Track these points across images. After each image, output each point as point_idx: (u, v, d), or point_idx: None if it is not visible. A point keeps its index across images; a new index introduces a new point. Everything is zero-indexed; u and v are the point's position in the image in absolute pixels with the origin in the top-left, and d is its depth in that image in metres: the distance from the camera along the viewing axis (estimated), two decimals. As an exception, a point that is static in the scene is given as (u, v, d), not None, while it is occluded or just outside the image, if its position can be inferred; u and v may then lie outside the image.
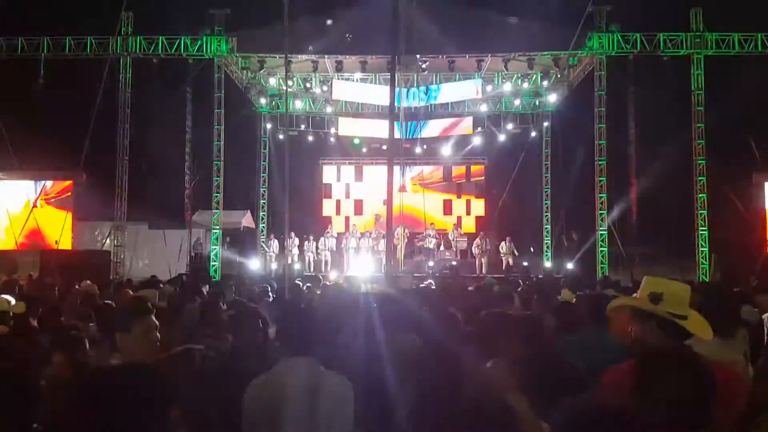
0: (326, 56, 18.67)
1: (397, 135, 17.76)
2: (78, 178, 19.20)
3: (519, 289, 9.26)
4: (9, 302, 5.63)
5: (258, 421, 2.90)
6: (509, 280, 13.29)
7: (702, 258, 17.56)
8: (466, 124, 22.17)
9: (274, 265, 20.68)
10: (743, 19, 17.81)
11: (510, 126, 22.44)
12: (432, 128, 22.30)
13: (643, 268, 17.19)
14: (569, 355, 3.26)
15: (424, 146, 23.25)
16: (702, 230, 17.67)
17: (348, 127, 22.39)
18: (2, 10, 17.29)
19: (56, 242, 18.76)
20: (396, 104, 12.81)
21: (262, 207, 23.47)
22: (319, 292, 8.24)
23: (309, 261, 20.84)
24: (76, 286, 8.15)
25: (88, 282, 8.43)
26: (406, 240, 20.70)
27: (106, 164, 18.75)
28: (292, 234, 20.25)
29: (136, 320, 3.47)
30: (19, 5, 19.38)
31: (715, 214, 17.74)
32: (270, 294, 7.84)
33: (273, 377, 2.96)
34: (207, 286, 8.84)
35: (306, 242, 20.99)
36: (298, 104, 21.90)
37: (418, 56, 18.26)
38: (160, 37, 18.29)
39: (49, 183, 19.52)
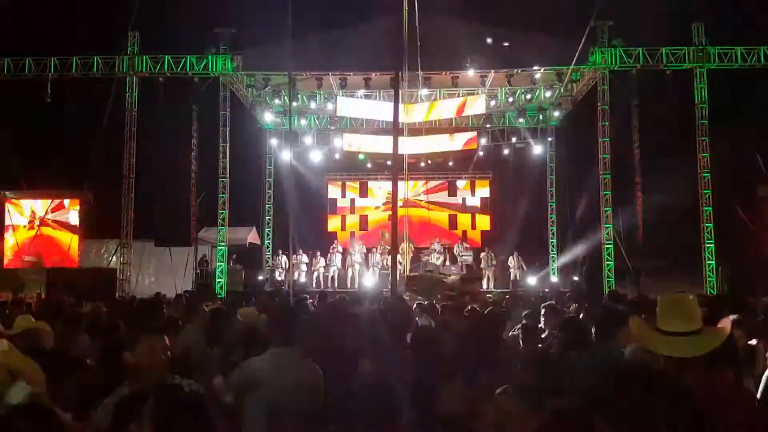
0: (330, 73, 18.81)
1: (401, 150, 17.80)
2: (84, 196, 19.31)
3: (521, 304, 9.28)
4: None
5: (252, 394, 3.65)
6: (516, 296, 13.28)
7: (709, 271, 17.50)
8: (470, 138, 22.19)
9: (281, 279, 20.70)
10: (745, 32, 17.90)
11: (514, 140, 22.52)
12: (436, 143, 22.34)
13: (650, 281, 17.12)
14: (578, 370, 3.28)
15: (429, 161, 23.31)
16: (708, 243, 17.62)
17: (353, 143, 22.47)
18: (8, 30, 17.53)
19: (62, 260, 18.84)
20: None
21: (268, 223, 23.54)
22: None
23: (317, 277, 20.83)
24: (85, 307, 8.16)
25: (98, 303, 8.44)
26: (411, 255, 20.70)
27: (113, 182, 18.87)
28: (300, 250, 20.28)
29: (141, 339, 3.50)
30: (26, 25, 19.63)
31: (722, 226, 17.69)
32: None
33: (265, 359, 3.76)
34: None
35: (313, 258, 21.00)
36: (303, 121, 22.05)
37: (421, 73, 18.34)
38: (166, 56, 18.46)
39: (55, 201, 19.64)
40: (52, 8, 21.43)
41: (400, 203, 13.94)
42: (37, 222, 19.48)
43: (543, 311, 6.56)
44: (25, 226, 19.68)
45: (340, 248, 21.74)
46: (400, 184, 15.62)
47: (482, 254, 21.05)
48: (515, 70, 18.57)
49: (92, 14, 20.55)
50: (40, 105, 18.19)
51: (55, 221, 19.70)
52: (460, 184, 25.35)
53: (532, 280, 20.25)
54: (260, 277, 20.82)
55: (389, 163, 20.09)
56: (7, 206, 19.69)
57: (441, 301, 10.52)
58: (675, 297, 2.86)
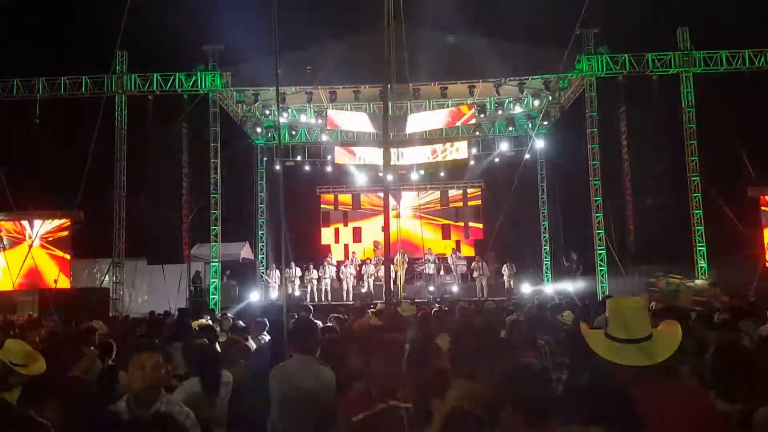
0: (320, 87, 18.86)
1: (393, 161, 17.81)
2: (75, 216, 19.21)
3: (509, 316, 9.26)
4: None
5: (279, 393, 4.30)
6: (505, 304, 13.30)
7: (701, 274, 17.56)
8: (460, 148, 22.21)
9: (274, 295, 20.62)
10: (730, 36, 18.06)
11: (504, 148, 22.58)
12: (424, 153, 22.38)
13: (643, 285, 17.14)
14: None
15: (421, 172, 23.35)
16: (700, 246, 17.72)
17: (344, 156, 22.50)
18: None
19: (54, 281, 18.72)
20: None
21: (261, 238, 23.51)
22: None
23: (311, 290, 20.77)
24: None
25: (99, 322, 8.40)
26: (405, 266, 20.67)
27: (104, 201, 18.81)
28: (292, 264, 20.24)
29: (133, 357, 3.49)
30: (14, 47, 19.62)
31: (712, 229, 17.78)
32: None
33: (290, 364, 4.45)
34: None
35: (306, 272, 20.96)
36: (294, 134, 22.06)
37: (410, 84, 18.40)
38: (155, 74, 18.50)
39: (46, 222, 19.53)
40: (39, 29, 21.45)
41: (392, 214, 13.93)
42: (28, 243, 19.36)
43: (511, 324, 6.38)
44: (15, 248, 19.56)
45: (333, 260, 21.72)
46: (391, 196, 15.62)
47: (473, 263, 21.00)
48: (503, 80, 18.66)
49: (80, 34, 20.56)
50: (29, 125, 18.18)
51: (46, 242, 19.58)
52: (452, 193, 25.41)
53: (526, 288, 20.28)
54: (253, 294, 20.75)
55: (380, 174, 20.11)
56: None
57: (688, 305, 10.35)
58: (624, 302, 2.78)
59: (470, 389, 3.27)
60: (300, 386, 4.25)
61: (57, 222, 19.55)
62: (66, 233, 19.44)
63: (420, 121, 20.58)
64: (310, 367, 4.38)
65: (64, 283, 18.86)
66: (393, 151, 20.74)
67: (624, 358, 2.59)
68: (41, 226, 19.45)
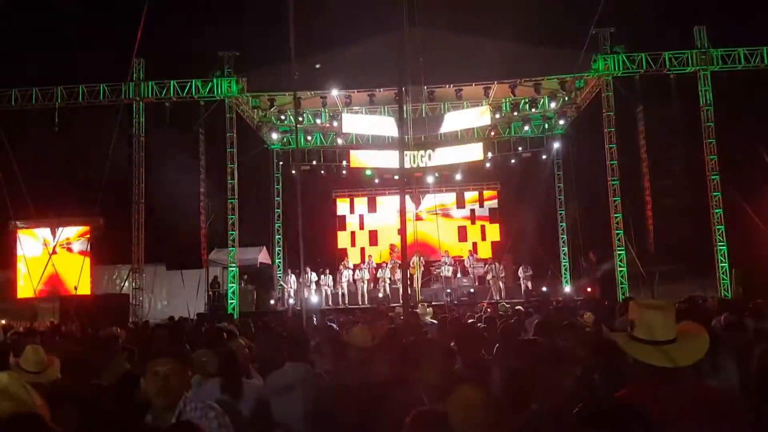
0: (335, 91, 18.90)
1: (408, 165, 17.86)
2: (95, 223, 19.40)
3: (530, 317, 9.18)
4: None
5: (275, 395, 4.41)
6: (525, 306, 13.22)
7: (722, 273, 17.37)
8: (476, 150, 22.15)
9: (292, 300, 20.67)
10: (748, 33, 17.89)
11: (520, 149, 22.45)
12: (443, 155, 22.33)
13: (664, 286, 17.01)
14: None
15: (436, 174, 23.29)
16: (720, 245, 17.51)
17: (359, 159, 22.52)
18: (15, 61, 17.77)
19: (75, 288, 18.89)
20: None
21: (278, 242, 23.58)
22: None
23: (326, 294, 20.79)
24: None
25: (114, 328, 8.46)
26: (422, 269, 20.64)
27: (123, 208, 18.99)
28: (308, 269, 20.25)
29: (148, 365, 3.48)
30: (31, 56, 19.89)
31: (733, 228, 17.58)
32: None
33: (285, 370, 4.59)
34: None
35: (323, 276, 20.97)
36: (309, 139, 22.11)
37: (425, 87, 18.39)
38: (172, 81, 18.66)
39: (66, 229, 19.74)
40: (57, 38, 21.73)
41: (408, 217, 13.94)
42: (49, 250, 19.57)
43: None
44: (36, 256, 19.77)
45: (350, 264, 21.71)
46: (408, 198, 15.61)
47: (487, 266, 20.87)
48: (518, 80, 18.57)
49: (97, 42, 20.80)
50: (48, 134, 18.41)
51: (66, 249, 19.79)
52: (469, 195, 25.32)
53: (544, 289, 20.14)
54: (271, 301, 20.84)
55: (396, 177, 20.10)
56: (18, 236, 19.82)
57: None
58: (649, 304, 2.75)
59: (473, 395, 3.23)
60: (290, 394, 4.34)
61: (77, 229, 19.76)
62: (86, 239, 19.65)
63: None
64: (300, 374, 4.49)
65: (84, 289, 19.03)
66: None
67: (648, 357, 2.58)
68: (61, 233, 19.66)
